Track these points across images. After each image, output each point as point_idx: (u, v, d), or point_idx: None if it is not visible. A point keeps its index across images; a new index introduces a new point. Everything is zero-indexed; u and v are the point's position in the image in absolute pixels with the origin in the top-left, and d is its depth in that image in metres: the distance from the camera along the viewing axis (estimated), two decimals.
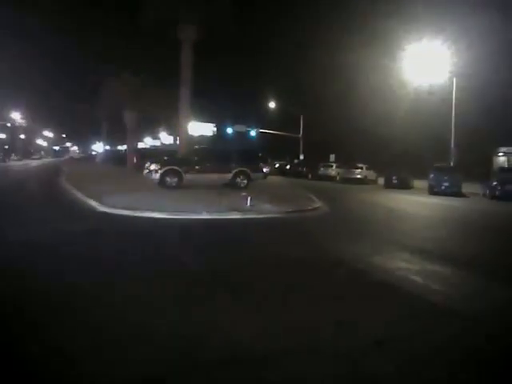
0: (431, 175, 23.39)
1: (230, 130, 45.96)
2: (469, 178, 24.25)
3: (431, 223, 12.54)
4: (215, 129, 50.14)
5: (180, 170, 16.47)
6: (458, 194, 21.97)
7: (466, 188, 23.16)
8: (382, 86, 32.62)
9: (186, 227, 9.59)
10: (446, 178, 22.66)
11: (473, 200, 20.77)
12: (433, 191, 22.62)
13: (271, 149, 41.93)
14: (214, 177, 17.08)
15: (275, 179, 29.08)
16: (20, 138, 77.24)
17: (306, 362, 3.33)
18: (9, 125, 69.09)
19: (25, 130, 78.11)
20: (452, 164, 26.97)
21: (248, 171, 17.60)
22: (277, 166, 40.88)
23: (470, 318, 4.44)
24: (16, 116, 69.20)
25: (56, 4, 28.06)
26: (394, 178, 27.19)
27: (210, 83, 34.18)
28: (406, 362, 3.43)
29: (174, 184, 16.24)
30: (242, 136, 45.26)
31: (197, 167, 16.87)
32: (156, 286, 5.02)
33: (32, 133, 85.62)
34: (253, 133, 45.81)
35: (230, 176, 17.31)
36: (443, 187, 22.34)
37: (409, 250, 7.61)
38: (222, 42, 25.90)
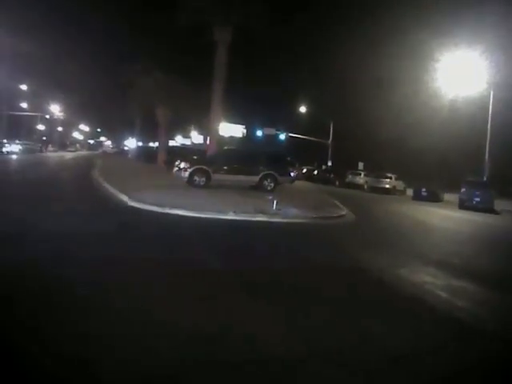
0: (462, 189, 22.84)
1: (259, 133, 46.13)
2: (502, 194, 23.53)
3: (459, 238, 12.27)
4: (245, 130, 50.40)
5: (208, 169, 16.71)
6: (489, 210, 21.36)
7: (499, 204, 22.48)
8: (416, 97, 32.08)
9: (212, 227, 9.77)
10: (477, 192, 22.08)
11: (505, 217, 20.15)
12: (463, 205, 22.08)
13: (299, 153, 41.81)
14: (241, 178, 17.23)
15: (302, 184, 29.04)
16: (57, 130, 79.98)
17: (321, 371, 3.36)
18: (48, 117, 71.61)
19: (62, 123, 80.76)
20: (485, 178, 26.20)
21: (275, 175, 17.65)
22: (304, 171, 40.74)
23: (494, 337, 4.39)
24: (55, 109, 71.70)
25: (95, 2, 29.04)
26: (423, 190, 26.68)
27: (241, 85, 34.49)
28: (425, 379, 3.43)
29: (202, 183, 16.50)
30: (271, 139, 45.34)
31: (225, 168, 17.07)
32: (177, 285, 5.17)
33: (69, 126, 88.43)
34: (282, 136, 45.82)
35: (257, 178, 17.42)
36: (474, 202, 21.79)
37: (435, 264, 7.52)
38: (255, 44, 26.13)
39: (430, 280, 6.37)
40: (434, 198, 25.86)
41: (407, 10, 32.67)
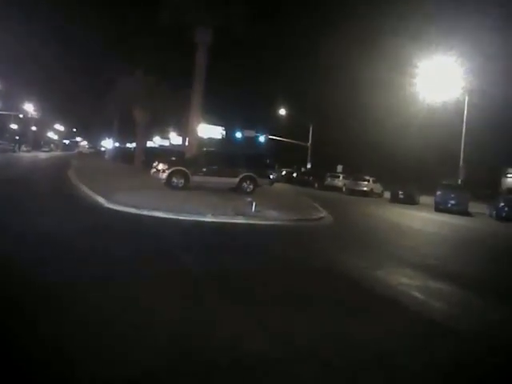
0: (438, 192, 23.32)
1: (239, 135, 46.08)
2: (476, 197, 24.13)
3: (435, 240, 12.51)
4: (224, 132, 50.28)
5: (187, 171, 16.55)
6: (464, 212, 21.87)
7: (473, 207, 23.05)
8: (394, 102, 32.66)
9: (189, 229, 9.65)
10: (452, 195, 22.58)
11: (479, 219, 20.67)
12: (439, 208, 22.54)
13: (279, 156, 41.96)
14: (220, 180, 17.14)
15: (281, 186, 29.13)
16: (31, 130, 77.85)
17: (303, 371, 3.34)
18: (21, 116, 69.64)
19: (36, 122, 78.69)
20: (460, 182, 26.87)
21: (255, 177, 17.62)
22: (284, 173, 40.90)
23: (468, 337, 4.45)
24: (29, 108, 69.80)
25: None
26: (400, 192, 27.14)
27: (221, 86, 34.36)
28: (401, 377, 3.43)
29: (180, 185, 16.32)
30: (250, 141, 45.36)
31: (204, 169, 16.94)
32: (154, 286, 5.07)
33: (43, 125, 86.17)
34: (261, 138, 45.93)
35: (236, 180, 17.35)
36: (449, 205, 22.26)
37: (411, 266, 7.61)
38: (236, 46, 26.07)
39: (406, 281, 6.44)
40: (410, 201, 26.33)
41: (387, 15, 33.28)
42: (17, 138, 69.63)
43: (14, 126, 69.81)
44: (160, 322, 4.00)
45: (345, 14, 40.46)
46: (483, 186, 29.14)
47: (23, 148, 62.26)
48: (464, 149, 27.49)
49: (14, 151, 53.65)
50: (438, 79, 27.25)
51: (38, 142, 78.13)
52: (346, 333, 4.21)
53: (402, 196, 26.94)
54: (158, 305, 4.43)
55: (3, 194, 12.45)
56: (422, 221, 17.85)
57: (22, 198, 11.96)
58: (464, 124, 27.28)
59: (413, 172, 33.07)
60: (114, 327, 3.80)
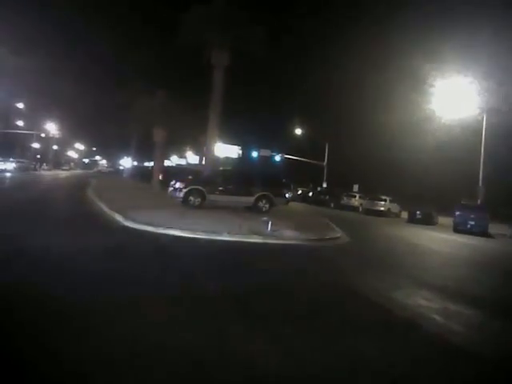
0: (457, 212, 22.92)
1: (255, 154, 46.40)
2: (496, 217, 23.61)
3: (454, 262, 12.24)
4: (240, 151, 50.72)
5: (204, 189, 16.70)
6: (484, 233, 21.41)
7: (493, 228, 22.55)
8: (411, 121, 32.53)
9: (205, 247, 9.69)
10: (472, 216, 22.17)
11: (499, 241, 20.20)
12: (457, 229, 22.13)
13: (295, 175, 41.98)
14: (236, 199, 17.21)
15: (297, 206, 29.05)
16: (52, 149, 79.93)
17: None
18: (43, 135, 71.70)
19: (57, 141, 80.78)
20: (479, 202, 26.36)
21: (271, 196, 17.66)
22: (299, 192, 40.81)
23: (488, 361, 4.33)
24: (51, 127, 71.85)
25: (95, 21, 29.56)
26: (417, 212, 26.76)
27: (238, 106, 34.90)
28: None
29: (196, 203, 16.46)
30: (266, 160, 45.60)
31: (220, 188, 17.07)
32: (166, 304, 5.10)
33: (64, 144, 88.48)
34: (277, 158, 46.11)
35: (252, 199, 17.41)
36: (469, 226, 21.84)
37: (429, 288, 7.47)
38: (253, 67, 26.57)
39: (424, 303, 6.32)
40: (428, 221, 25.93)
41: (403, 36, 33.45)
42: (38, 156, 71.52)
43: (35, 145, 71.75)
44: (177, 340, 4.01)
45: (360, 34, 40.87)
46: (503, 206, 28.51)
47: (44, 166, 63.86)
48: (483, 168, 27.08)
49: (35, 169, 55.00)
50: (454, 98, 27.13)
51: (58, 161, 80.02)
52: (362, 354, 4.15)
53: (419, 216, 26.55)
54: (171, 322, 4.45)
55: (26, 212, 12.77)
56: (441, 242, 17.53)
57: (45, 215, 12.22)
58: (483, 143, 26.95)
59: (431, 192, 32.65)
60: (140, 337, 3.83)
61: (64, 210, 14.54)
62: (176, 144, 49.94)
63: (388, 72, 33.95)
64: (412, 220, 26.67)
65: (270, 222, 12.19)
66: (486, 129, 26.95)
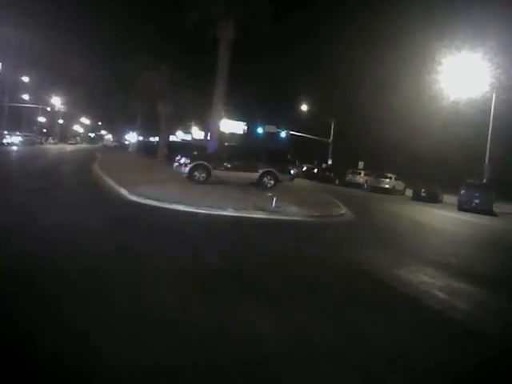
0: (462, 191, 22.83)
1: (260, 130, 46.07)
2: (501, 196, 23.51)
3: (457, 239, 12.28)
4: (246, 127, 50.38)
5: (209, 165, 16.73)
6: (488, 212, 21.37)
7: (498, 206, 22.50)
8: (418, 99, 32.05)
9: (210, 222, 9.78)
10: (477, 194, 22.08)
11: (503, 219, 20.18)
12: (462, 207, 22.09)
13: (300, 151, 41.73)
14: (241, 175, 17.25)
15: (302, 182, 29.06)
16: (58, 123, 79.80)
17: (318, 370, 3.40)
18: (49, 109, 71.50)
19: (63, 116, 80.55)
20: (485, 181, 26.17)
21: (275, 172, 17.66)
22: (304, 169, 40.74)
23: (489, 336, 4.42)
24: (56, 101, 71.59)
25: None
26: (422, 190, 26.70)
27: (243, 82, 34.46)
28: (419, 379, 3.45)
29: (202, 179, 16.52)
30: (271, 136, 45.29)
31: (225, 164, 17.08)
32: (173, 280, 5.22)
33: (70, 118, 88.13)
34: (283, 134, 45.78)
35: (257, 175, 17.43)
36: (474, 204, 21.78)
37: (433, 265, 7.54)
38: (258, 42, 26.10)
39: (428, 280, 6.39)
40: (433, 199, 25.89)
41: (410, 12, 32.69)
42: (44, 130, 71.54)
43: (41, 119, 71.69)
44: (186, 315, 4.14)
45: (369, 12, 39.99)
46: (509, 185, 28.33)
47: (50, 140, 63.93)
48: (490, 146, 26.76)
49: (42, 143, 55.11)
50: (464, 76, 26.61)
51: (64, 135, 79.99)
52: (365, 331, 4.25)
53: (424, 194, 26.50)
54: (180, 299, 4.58)
55: (32, 185, 12.92)
56: (445, 220, 17.55)
57: (50, 189, 12.36)
58: (491, 121, 26.51)
59: (436, 170, 32.46)
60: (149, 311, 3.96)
61: (69, 185, 14.67)
62: (181, 119, 49.70)
63: (397, 48, 33.26)
64: (417, 198, 26.64)
65: (274, 198, 12.25)
66: (494, 106, 26.48)
